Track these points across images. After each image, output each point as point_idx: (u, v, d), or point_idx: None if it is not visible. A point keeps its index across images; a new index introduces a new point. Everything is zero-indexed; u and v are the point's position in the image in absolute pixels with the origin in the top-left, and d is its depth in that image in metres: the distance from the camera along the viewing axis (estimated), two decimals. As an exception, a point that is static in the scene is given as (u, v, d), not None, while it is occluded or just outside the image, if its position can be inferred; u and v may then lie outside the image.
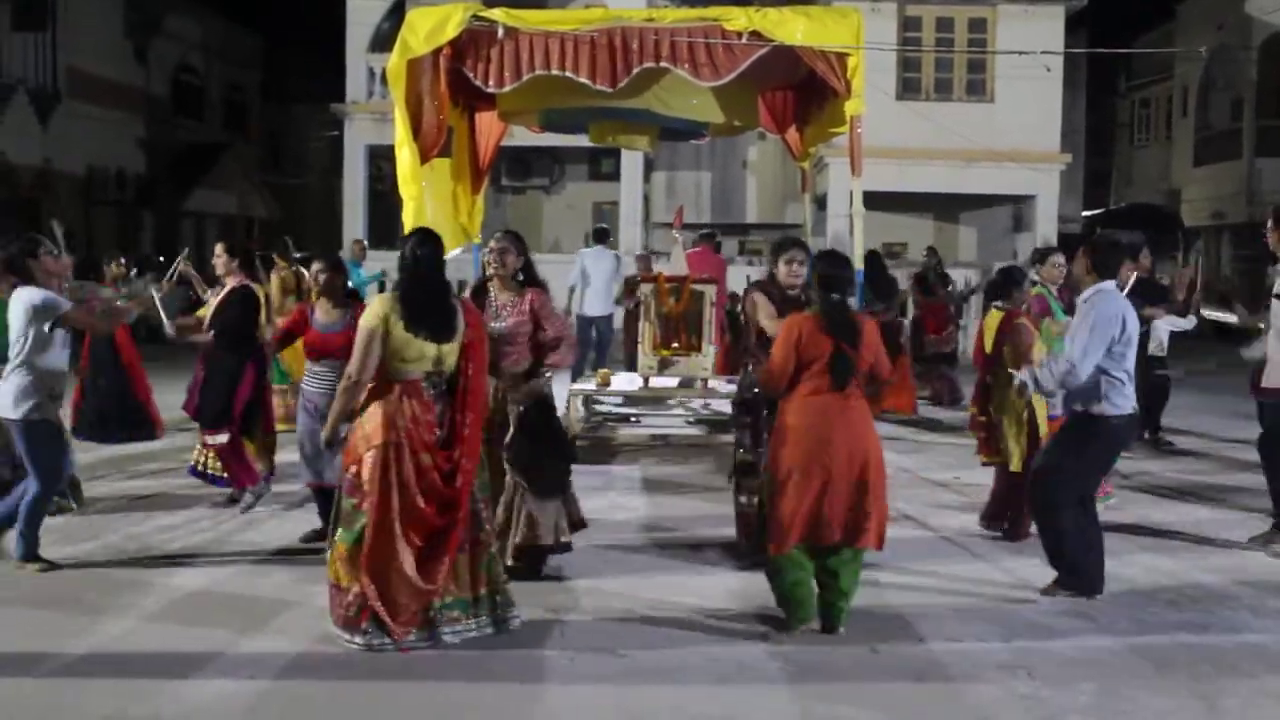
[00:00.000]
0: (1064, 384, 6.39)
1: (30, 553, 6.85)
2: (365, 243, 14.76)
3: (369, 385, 5.64)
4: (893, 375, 7.79)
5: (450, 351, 5.62)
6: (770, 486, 5.91)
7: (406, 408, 5.54)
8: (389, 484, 5.50)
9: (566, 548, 6.84)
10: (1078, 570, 6.51)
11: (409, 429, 5.53)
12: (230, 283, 8.52)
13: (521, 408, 6.66)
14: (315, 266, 7.59)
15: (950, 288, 15.81)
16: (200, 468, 8.73)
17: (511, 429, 6.62)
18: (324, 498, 6.98)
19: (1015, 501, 7.63)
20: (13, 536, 6.88)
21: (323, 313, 7.34)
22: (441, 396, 5.67)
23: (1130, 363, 6.41)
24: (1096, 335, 6.25)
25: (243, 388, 8.28)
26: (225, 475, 8.51)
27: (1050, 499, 6.49)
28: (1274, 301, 7.65)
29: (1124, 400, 6.40)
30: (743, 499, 7.14)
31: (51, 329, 6.74)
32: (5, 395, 6.73)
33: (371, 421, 5.59)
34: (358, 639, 5.56)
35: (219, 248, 8.62)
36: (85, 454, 9.35)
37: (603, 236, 15.30)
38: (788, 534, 5.78)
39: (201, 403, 8.66)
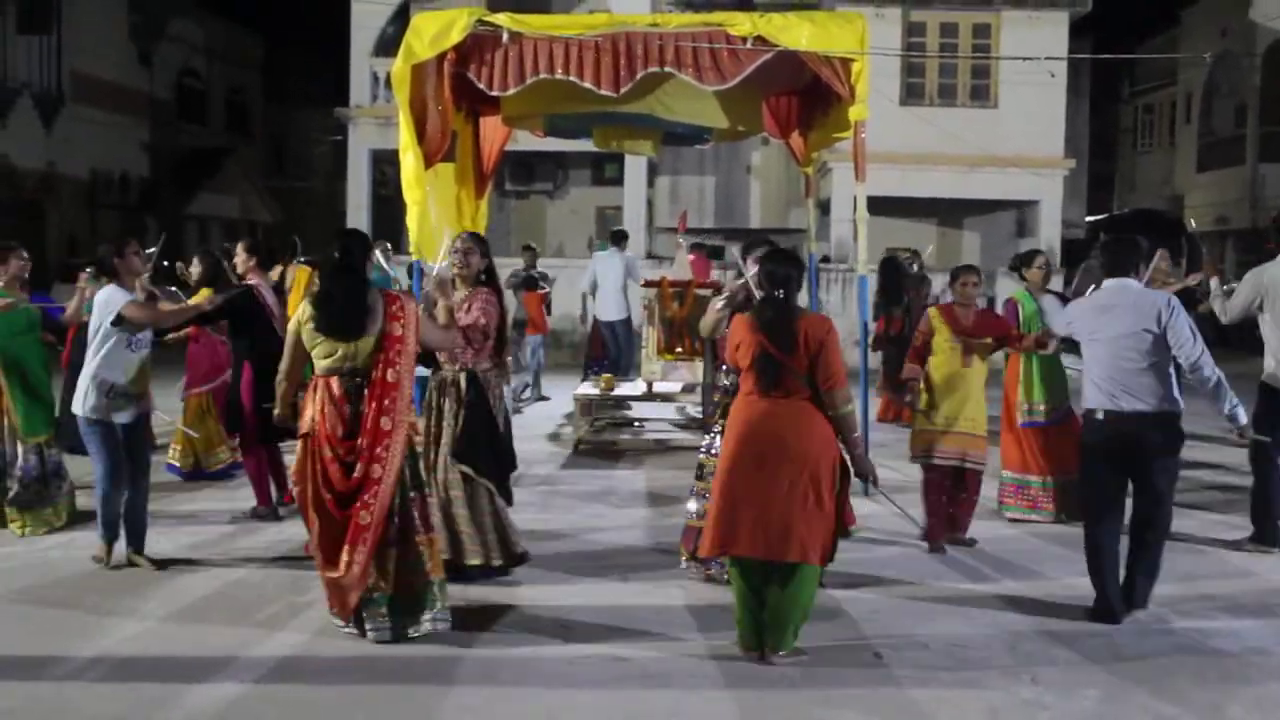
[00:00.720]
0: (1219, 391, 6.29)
1: (111, 537, 7.08)
2: (389, 245, 14.61)
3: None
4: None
5: (363, 348, 5.69)
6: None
7: (320, 401, 5.73)
8: (305, 474, 5.75)
9: (500, 571, 6.77)
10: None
11: (319, 422, 5.71)
12: (252, 279, 8.70)
13: (466, 405, 6.69)
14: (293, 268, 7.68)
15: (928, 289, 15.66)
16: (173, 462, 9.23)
17: (456, 425, 6.69)
18: None
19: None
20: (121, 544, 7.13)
21: None
22: (359, 391, 5.72)
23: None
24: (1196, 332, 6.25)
25: (245, 389, 8.31)
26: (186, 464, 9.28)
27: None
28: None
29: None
30: (691, 505, 7.03)
31: (115, 326, 6.91)
32: (77, 391, 7.02)
33: (302, 417, 5.87)
34: (341, 623, 5.85)
35: (240, 246, 8.84)
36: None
37: (619, 239, 15.12)
38: (705, 541, 5.68)
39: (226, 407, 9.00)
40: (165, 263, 9.89)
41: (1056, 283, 14.00)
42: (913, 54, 21.88)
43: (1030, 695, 5.23)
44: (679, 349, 11.93)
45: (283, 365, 5.99)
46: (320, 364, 5.76)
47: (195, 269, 9.25)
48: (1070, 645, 5.89)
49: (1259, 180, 27.75)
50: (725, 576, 6.44)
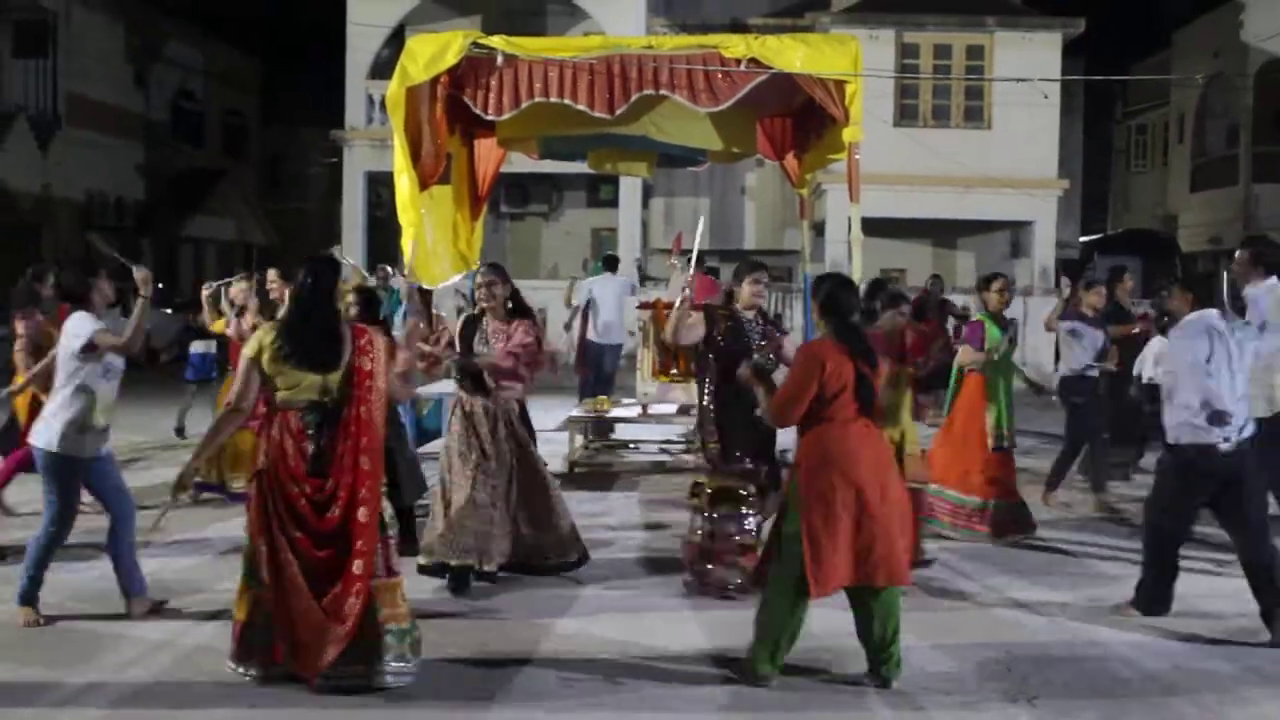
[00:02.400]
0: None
1: (25, 596, 6.40)
2: (390, 270, 14.57)
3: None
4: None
5: (334, 381, 5.39)
6: (802, 523, 5.48)
7: (277, 436, 5.39)
8: (266, 514, 5.35)
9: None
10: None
11: (277, 458, 5.36)
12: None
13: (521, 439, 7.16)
14: (349, 298, 7.52)
15: (952, 313, 15.72)
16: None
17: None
18: None
19: None
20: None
21: None
22: (327, 426, 5.38)
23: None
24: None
25: None
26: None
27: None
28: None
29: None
30: (698, 521, 7.09)
31: (81, 355, 6.36)
32: (39, 423, 6.49)
33: (256, 452, 5.56)
34: (251, 671, 5.42)
35: (272, 273, 8.81)
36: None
37: (614, 264, 15.09)
38: (829, 578, 5.44)
39: None
40: (160, 285, 9.90)
41: (1049, 303, 14.04)
42: (906, 75, 21.97)
43: (1029, 717, 5.22)
44: (674, 370, 11.93)
45: (234, 392, 5.51)
46: (281, 395, 5.41)
47: (240, 289, 9.11)
48: (1067, 667, 5.87)
49: (1252, 200, 27.83)
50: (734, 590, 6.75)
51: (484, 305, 7.15)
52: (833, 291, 5.82)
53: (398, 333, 8.20)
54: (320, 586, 5.28)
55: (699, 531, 7.08)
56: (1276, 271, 7.81)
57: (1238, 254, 7.95)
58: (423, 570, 6.95)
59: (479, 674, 5.69)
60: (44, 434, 6.39)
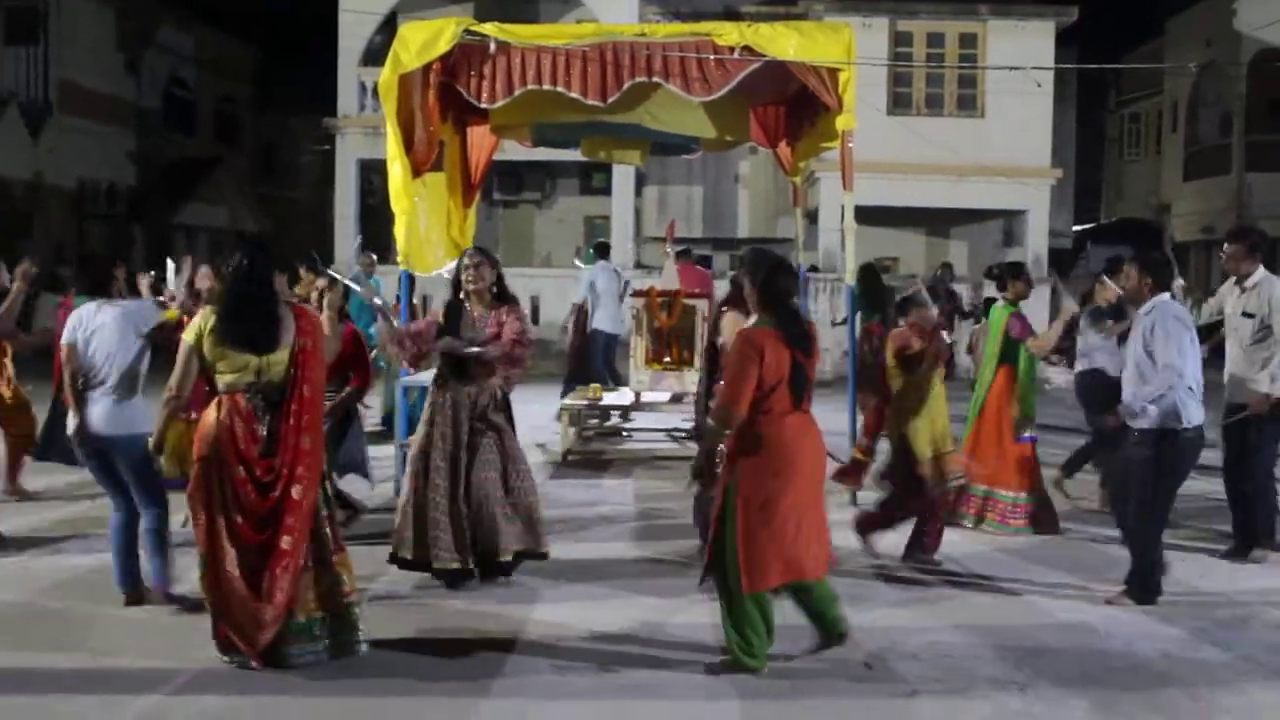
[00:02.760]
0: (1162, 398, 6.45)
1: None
2: (374, 257, 14.51)
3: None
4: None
5: (276, 362, 5.47)
6: (736, 516, 5.40)
7: (225, 420, 5.43)
8: (209, 500, 5.42)
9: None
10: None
11: (226, 441, 5.41)
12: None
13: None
14: (319, 283, 7.55)
15: (957, 303, 15.59)
16: None
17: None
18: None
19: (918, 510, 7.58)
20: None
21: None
22: (271, 407, 5.49)
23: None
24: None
25: None
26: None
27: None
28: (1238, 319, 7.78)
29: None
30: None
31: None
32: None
33: (197, 437, 5.57)
34: (227, 658, 5.52)
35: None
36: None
37: (606, 251, 14.99)
38: (764, 575, 5.37)
39: None
40: (152, 273, 9.83)
41: (1042, 292, 14.02)
42: (900, 64, 21.95)
43: (1020, 705, 5.22)
44: (667, 359, 11.93)
45: (174, 380, 5.57)
46: (224, 379, 5.47)
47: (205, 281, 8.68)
48: (1059, 655, 5.88)
49: (1245, 189, 27.87)
50: None
51: (470, 288, 6.97)
52: (769, 277, 5.54)
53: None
54: (255, 570, 5.38)
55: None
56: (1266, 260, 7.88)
57: (1230, 246, 7.93)
58: (404, 565, 6.88)
59: (472, 661, 5.69)
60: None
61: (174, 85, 32.67)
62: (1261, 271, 7.79)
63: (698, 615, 6.35)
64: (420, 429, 6.99)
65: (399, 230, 9.46)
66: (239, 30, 35.47)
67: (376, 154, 17.26)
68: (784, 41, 9.34)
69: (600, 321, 13.98)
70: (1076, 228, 31.72)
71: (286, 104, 36.24)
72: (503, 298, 7.06)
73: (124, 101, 29.67)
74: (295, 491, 5.41)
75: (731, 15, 21.86)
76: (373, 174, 24.21)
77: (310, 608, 5.52)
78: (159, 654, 5.70)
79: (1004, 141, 21.64)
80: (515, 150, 14.62)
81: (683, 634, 6.12)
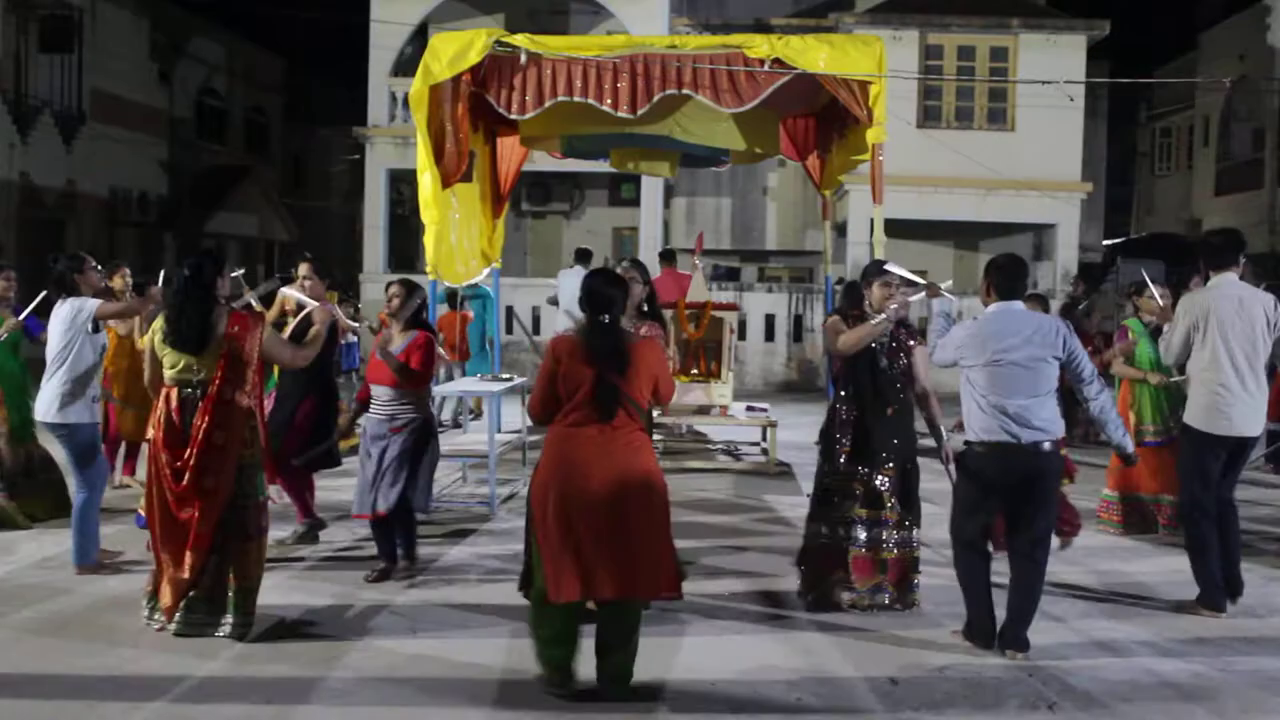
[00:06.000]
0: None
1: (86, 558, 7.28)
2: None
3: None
4: None
5: (203, 362, 6.06)
6: (530, 527, 5.40)
7: (161, 409, 6.13)
8: (150, 478, 6.16)
9: None
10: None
11: (157, 428, 6.13)
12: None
13: None
14: (392, 289, 7.50)
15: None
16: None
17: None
18: (380, 530, 7.30)
19: None
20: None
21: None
22: (194, 403, 6.06)
23: None
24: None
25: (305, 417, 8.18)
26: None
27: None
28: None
29: None
30: (821, 528, 6.82)
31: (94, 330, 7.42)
32: (60, 401, 7.30)
33: (150, 422, 6.36)
34: (145, 614, 6.20)
35: (305, 268, 8.18)
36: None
37: (586, 257, 14.71)
38: (564, 586, 5.14)
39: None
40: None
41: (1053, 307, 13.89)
42: (930, 77, 21.90)
43: (1047, 723, 5.19)
44: (694, 370, 11.90)
45: (146, 377, 6.35)
46: (167, 374, 6.14)
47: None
48: (1087, 674, 5.84)
49: (1278, 204, 27.66)
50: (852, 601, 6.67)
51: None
52: (589, 287, 5.40)
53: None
54: (176, 541, 6.05)
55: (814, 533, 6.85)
56: None
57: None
58: None
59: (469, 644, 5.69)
60: (70, 409, 7.35)
61: (206, 95, 32.89)
62: None
63: (722, 629, 6.32)
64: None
65: (428, 240, 9.50)
66: (270, 41, 35.70)
67: (406, 164, 17.37)
68: (814, 54, 9.34)
69: (563, 327, 13.85)
70: (1106, 242, 31.53)
71: (317, 114, 36.45)
72: (651, 314, 7.34)
73: (156, 111, 29.87)
74: (207, 482, 5.99)
75: (762, 28, 21.88)
76: (402, 184, 24.35)
77: (207, 585, 6.03)
78: (175, 657, 5.73)
79: (1034, 155, 21.55)
80: (544, 161, 14.67)
81: (689, 643, 6.09)
